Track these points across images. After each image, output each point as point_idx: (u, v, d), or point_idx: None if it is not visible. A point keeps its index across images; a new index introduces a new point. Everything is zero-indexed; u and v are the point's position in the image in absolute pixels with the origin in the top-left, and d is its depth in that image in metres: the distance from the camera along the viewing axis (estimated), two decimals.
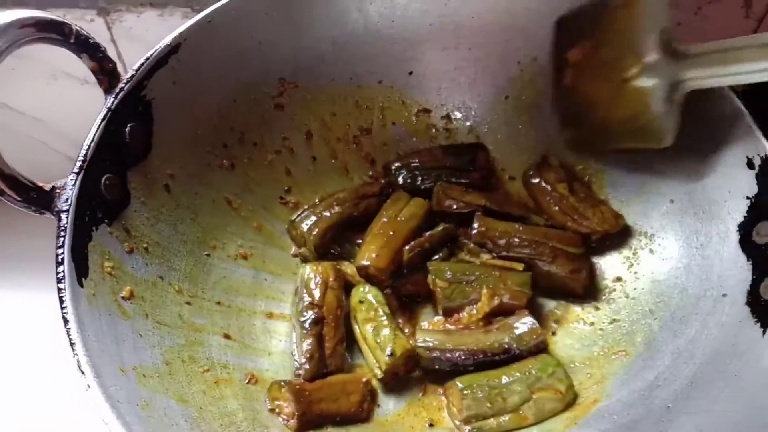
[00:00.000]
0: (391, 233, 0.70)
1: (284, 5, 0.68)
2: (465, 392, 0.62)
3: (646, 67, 0.60)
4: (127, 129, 0.60)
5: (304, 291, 0.67)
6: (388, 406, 0.65)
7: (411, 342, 0.65)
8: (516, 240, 0.70)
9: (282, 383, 0.62)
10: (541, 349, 0.65)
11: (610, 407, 0.62)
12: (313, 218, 0.72)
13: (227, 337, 0.65)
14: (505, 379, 0.63)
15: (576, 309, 0.70)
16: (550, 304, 0.71)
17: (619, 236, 0.71)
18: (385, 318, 0.66)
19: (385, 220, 0.72)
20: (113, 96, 0.59)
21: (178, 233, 0.65)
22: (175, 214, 0.65)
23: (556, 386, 0.62)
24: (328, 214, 0.72)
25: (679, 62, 0.59)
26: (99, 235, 0.56)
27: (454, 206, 0.73)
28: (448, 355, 0.64)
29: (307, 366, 0.64)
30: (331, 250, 0.73)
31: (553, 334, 0.69)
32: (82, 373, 0.48)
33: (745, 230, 0.59)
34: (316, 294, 0.67)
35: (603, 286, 0.71)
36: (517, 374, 0.63)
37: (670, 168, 0.67)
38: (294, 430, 0.60)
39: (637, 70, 0.61)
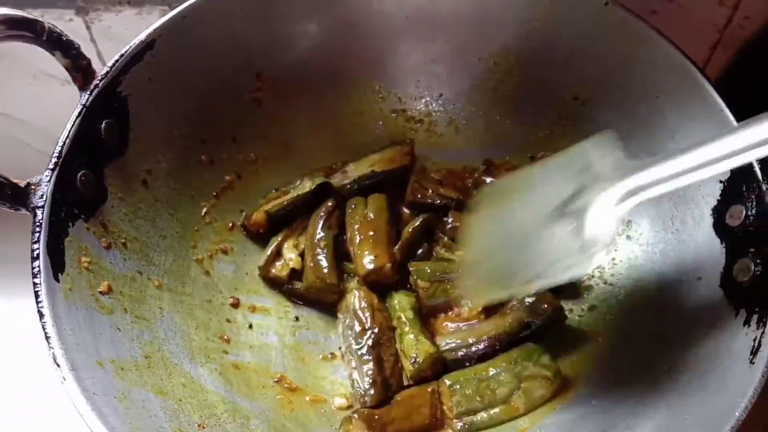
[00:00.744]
0: (372, 233, 0.71)
1: (259, 1, 0.68)
2: (453, 389, 0.63)
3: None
4: (103, 125, 0.60)
5: (355, 318, 0.67)
6: None
7: (434, 344, 0.66)
8: None
9: (353, 415, 0.61)
10: (558, 314, 0.66)
11: (588, 392, 0.62)
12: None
13: (209, 330, 0.65)
14: (492, 372, 0.63)
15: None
16: None
17: None
18: (407, 324, 0.66)
19: (357, 226, 0.71)
20: (88, 93, 0.59)
21: (156, 228, 0.65)
22: (153, 209, 0.65)
23: (543, 373, 0.63)
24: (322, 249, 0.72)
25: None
26: (75, 230, 0.56)
27: (428, 199, 0.74)
28: (473, 349, 0.65)
29: (372, 392, 0.63)
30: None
31: None
32: (58, 366, 0.48)
33: (719, 213, 0.60)
34: (367, 318, 0.67)
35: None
36: (504, 365, 0.64)
37: (646, 154, 0.67)
38: None
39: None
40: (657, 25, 0.64)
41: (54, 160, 0.56)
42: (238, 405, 0.61)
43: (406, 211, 0.75)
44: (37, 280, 0.51)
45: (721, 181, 0.60)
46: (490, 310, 0.68)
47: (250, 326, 0.69)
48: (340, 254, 0.72)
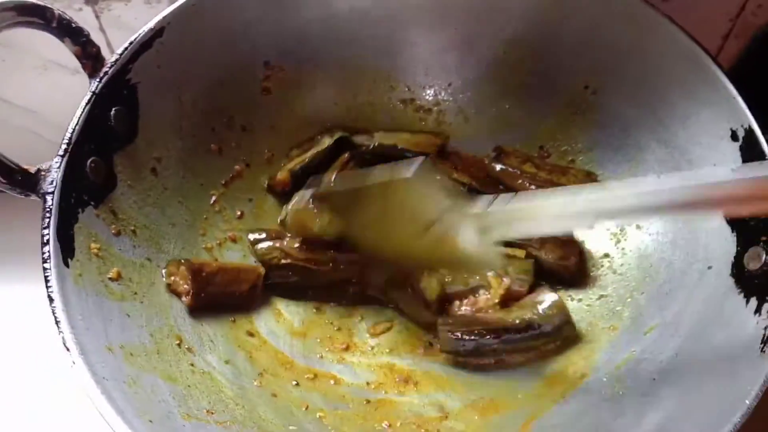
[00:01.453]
0: None
1: None
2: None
3: (440, 222, 0.61)
4: (112, 113, 0.60)
5: None
6: None
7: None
8: None
9: (182, 261, 0.64)
10: (567, 322, 0.65)
11: (597, 381, 0.62)
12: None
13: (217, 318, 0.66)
14: None
15: None
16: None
17: None
18: None
19: None
20: (97, 80, 0.59)
21: (165, 216, 0.65)
22: (163, 197, 0.66)
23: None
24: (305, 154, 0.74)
25: (475, 218, 0.59)
26: (85, 217, 0.56)
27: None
28: (472, 337, 0.64)
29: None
30: None
31: None
32: (68, 349, 0.48)
33: None
34: None
35: (591, 263, 0.71)
36: None
37: (657, 143, 0.67)
38: (188, 306, 0.63)
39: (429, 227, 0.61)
40: (669, 13, 0.63)
41: (64, 146, 0.56)
42: (246, 391, 0.61)
43: None
44: (47, 266, 0.51)
45: (732, 170, 0.59)
46: (506, 304, 0.68)
47: (258, 313, 0.69)
48: None
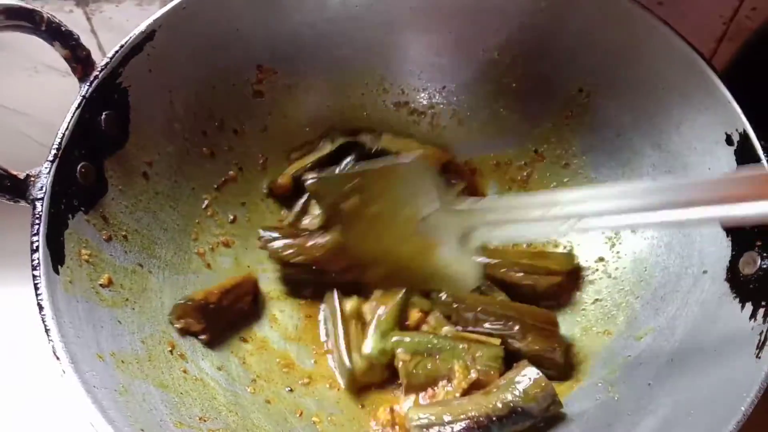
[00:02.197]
0: None
1: None
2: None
3: (425, 221, 0.61)
4: (103, 117, 0.59)
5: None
6: None
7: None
8: (484, 313, 0.65)
9: (185, 302, 0.63)
10: (553, 401, 0.58)
11: (592, 387, 0.62)
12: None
13: None
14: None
15: None
16: None
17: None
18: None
19: None
20: (87, 84, 0.59)
21: (157, 221, 0.65)
22: (154, 202, 0.65)
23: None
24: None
25: (459, 216, 0.59)
26: (75, 222, 0.56)
27: None
28: (448, 429, 0.57)
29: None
30: None
31: None
32: (58, 358, 0.48)
33: None
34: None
35: (585, 266, 0.71)
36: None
37: (651, 147, 0.67)
38: (207, 341, 0.63)
39: (415, 225, 0.61)
40: (663, 17, 0.63)
41: (53, 151, 0.55)
42: (240, 398, 0.61)
43: None
44: (36, 273, 0.51)
45: (724, 173, 0.59)
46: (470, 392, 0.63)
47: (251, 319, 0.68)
48: None
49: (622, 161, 0.70)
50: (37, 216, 0.53)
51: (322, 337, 0.68)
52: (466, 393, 0.61)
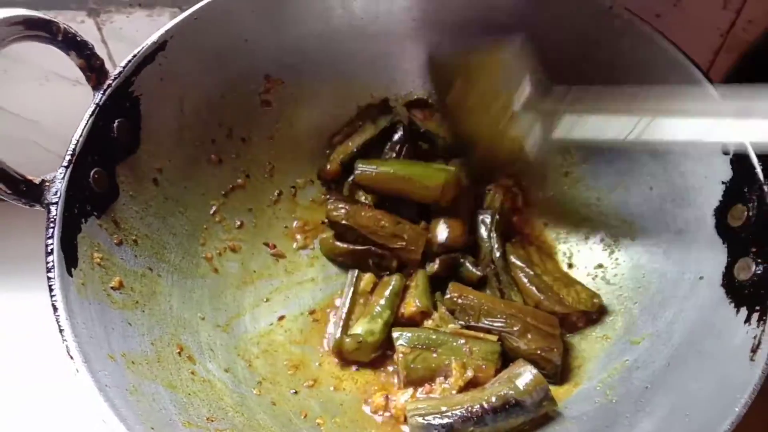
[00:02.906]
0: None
1: (269, 2, 0.69)
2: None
3: (521, 106, 0.63)
4: (115, 124, 0.61)
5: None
6: None
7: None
8: (487, 311, 0.67)
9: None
10: (547, 398, 0.60)
11: (590, 390, 0.63)
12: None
13: (217, 326, 0.67)
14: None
15: None
16: None
17: (601, 224, 0.73)
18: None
19: None
20: (101, 92, 0.60)
21: (167, 226, 0.66)
22: (164, 207, 0.66)
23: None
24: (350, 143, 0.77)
25: (550, 99, 0.62)
26: (88, 227, 0.57)
27: None
28: (446, 419, 0.60)
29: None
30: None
31: None
32: (71, 358, 0.49)
33: (721, 214, 0.60)
34: None
35: (585, 273, 0.72)
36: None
37: (649, 156, 0.68)
38: None
39: (512, 111, 0.64)
40: (661, 29, 0.64)
41: (68, 157, 0.57)
42: (246, 399, 0.62)
43: None
44: (51, 275, 0.52)
45: (723, 182, 0.60)
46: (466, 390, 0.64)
47: (257, 320, 0.70)
48: None
49: (621, 169, 0.71)
50: (52, 220, 0.54)
51: (310, 377, 0.68)
52: (462, 390, 0.63)
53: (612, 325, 0.67)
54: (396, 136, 0.77)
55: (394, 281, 0.70)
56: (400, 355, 0.65)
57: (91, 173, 0.58)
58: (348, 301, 0.70)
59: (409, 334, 0.66)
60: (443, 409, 0.60)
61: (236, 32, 0.69)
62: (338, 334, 0.68)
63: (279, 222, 0.76)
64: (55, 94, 0.86)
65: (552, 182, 0.76)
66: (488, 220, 0.73)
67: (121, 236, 0.61)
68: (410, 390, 0.65)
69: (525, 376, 0.61)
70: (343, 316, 0.69)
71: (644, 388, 0.59)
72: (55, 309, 0.51)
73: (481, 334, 0.66)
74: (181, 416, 0.55)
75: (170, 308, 0.63)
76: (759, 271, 0.55)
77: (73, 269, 0.54)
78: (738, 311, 0.55)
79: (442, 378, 0.64)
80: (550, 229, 0.76)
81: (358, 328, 0.68)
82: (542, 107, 0.62)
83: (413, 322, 0.69)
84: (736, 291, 0.56)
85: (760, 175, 0.56)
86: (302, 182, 0.78)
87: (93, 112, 0.59)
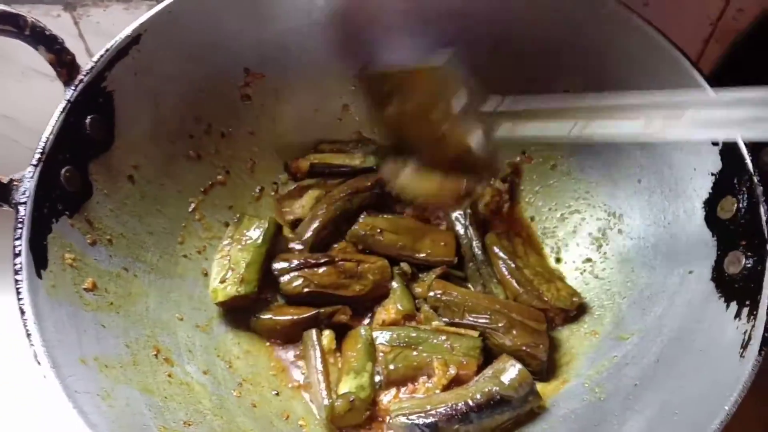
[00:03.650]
0: None
1: None
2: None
3: (457, 118, 0.61)
4: (88, 121, 0.59)
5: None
6: None
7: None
8: (471, 307, 0.66)
9: None
10: (533, 392, 0.59)
11: (579, 387, 0.62)
12: (308, 219, 0.73)
13: (197, 326, 0.65)
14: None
15: None
16: None
17: (589, 218, 0.72)
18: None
19: None
20: (72, 88, 0.58)
21: (143, 225, 0.65)
22: (141, 205, 0.65)
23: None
24: (322, 212, 0.72)
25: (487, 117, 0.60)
26: (59, 227, 0.56)
27: None
28: (431, 418, 0.58)
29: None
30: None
31: None
32: (38, 363, 0.47)
33: (710, 206, 0.59)
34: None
35: (573, 267, 0.71)
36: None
37: (638, 149, 0.67)
38: None
39: (450, 122, 0.62)
40: (649, 17, 0.63)
41: (37, 155, 0.55)
42: (225, 401, 0.61)
43: None
44: (18, 277, 0.50)
45: (712, 174, 0.59)
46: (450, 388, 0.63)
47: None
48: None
49: (609, 162, 0.70)
50: (20, 220, 0.52)
51: (294, 379, 0.66)
52: (446, 389, 0.62)
53: (600, 321, 0.66)
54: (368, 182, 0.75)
55: (363, 331, 0.66)
56: (380, 354, 0.64)
57: (63, 171, 0.57)
58: (320, 364, 0.64)
59: (389, 333, 0.65)
60: (427, 408, 0.59)
61: (214, 25, 0.67)
62: (326, 401, 0.62)
63: (261, 219, 0.73)
64: (33, 91, 0.84)
65: (539, 176, 0.75)
66: (461, 217, 0.72)
67: (95, 236, 0.59)
68: (393, 390, 0.64)
69: (510, 371, 0.60)
70: (322, 380, 0.63)
71: (633, 385, 0.57)
72: (22, 312, 0.49)
73: (462, 330, 0.65)
74: (156, 421, 0.53)
75: (147, 309, 0.62)
76: (749, 265, 0.53)
77: (42, 271, 0.53)
78: (728, 306, 0.54)
79: (425, 377, 0.63)
80: (536, 224, 0.75)
81: (345, 388, 0.62)
82: (481, 112, 0.60)
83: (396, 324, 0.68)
84: (726, 285, 0.55)
85: (750, 166, 0.55)
86: (285, 178, 0.77)
87: (64, 109, 0.58)
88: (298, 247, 0.72)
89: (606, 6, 0.64)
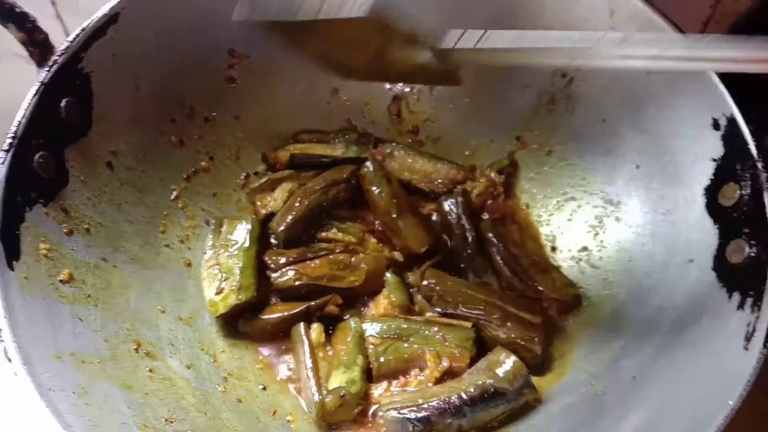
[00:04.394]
0: None
1: None
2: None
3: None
4: (63, 104, 0.57)
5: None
6: None
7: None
8: (466, 298, 0.64)
9: None
10: (528, 385, 0.58)
11: (576, 379, 0.61)
12: (282, 212, 0.70)
13: (179, 319, 0.63)
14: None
15: None
16: None
17: (585, 205, 0.70)
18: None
19: None
20: (46, 69, 0.56)
21: (122, 213, 0.62)
22: (120, 193, 0.62)
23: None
24: (297, 204, 0.69)
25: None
26: (33, 215, 0.53)
27: None
28: (423, 412, 0.57)
29: None
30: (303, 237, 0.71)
31: None
32: (9, 360, 0.45)
33: (711, 193, 0.57)
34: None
35: (569, 256, 0.69)
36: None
37: (637, 132, 0.65)
38: None
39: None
40: None
41: (8, 140, 0.52)
42: (210, 397, 0.59)
43: None
44: None
45: (713, 160, 0.57)
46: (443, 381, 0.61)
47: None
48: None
49: (606, 147, 0.68)
50: None
51: (282, 374, 0.64)
52: (439, 382, 0.60)
53: (597, 311, 0.64)
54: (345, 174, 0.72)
55: (353, 323, 0.64)
56: (371, 346, 0.62)
57: (36, 157, 0.54)
58: (308, 359, 0.62)
59: (379, 324, 0.63)
60: (419, 401, 0.58)
61: (196, 4, 0.65)
62: (317, 397, 0.59)
63: (245, 210, 0.72)
64: (10, 74, 0.81)
65: (534, 163, 0.73)
66: (454, 206, 0.70)
67: (71, 225, 0.57)
68: (384, 383, 0.62)
69: (504, 363, 0.59)
70: (311, 375, 0.61)
71: (632, 378, 0.56)
72: None
73: (455, 321, 0.63)
74: (136, 419, 0.51)
75: (127, 301, 0.59)
76: (753, 253, 0.52)
77: (15, 262, 0.50)
78: (730, 296, 0.52)
79: (417, 370, 0.62)
80: (532, 212, 0.73)
81: (335, 383, 0.60)
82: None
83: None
84: (728, 275, 0.53)
85: (754, 151, 0.53)
86: (263, 169, 0.74)
87: (37, 91, 0.55)
88: (273, 242, 0.69)
89: None
